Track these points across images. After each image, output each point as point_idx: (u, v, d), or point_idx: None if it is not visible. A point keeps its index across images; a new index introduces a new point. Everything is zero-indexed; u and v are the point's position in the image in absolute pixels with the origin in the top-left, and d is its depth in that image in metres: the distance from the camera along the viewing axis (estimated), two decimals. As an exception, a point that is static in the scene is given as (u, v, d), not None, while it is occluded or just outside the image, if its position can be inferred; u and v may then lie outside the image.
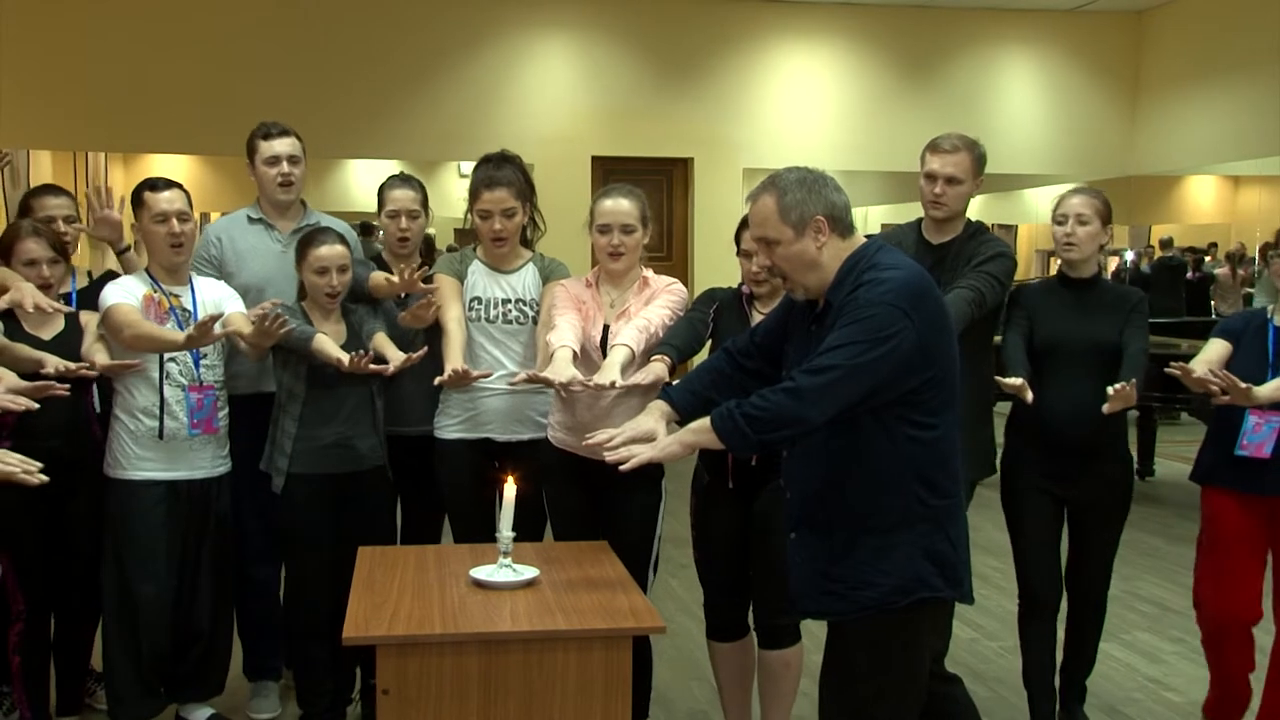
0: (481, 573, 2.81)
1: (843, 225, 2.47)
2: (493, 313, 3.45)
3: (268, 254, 3.75)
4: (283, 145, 3.72)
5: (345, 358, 3.28)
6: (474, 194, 3.43)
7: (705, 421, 2.48)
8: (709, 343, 3.30)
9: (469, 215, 3.48)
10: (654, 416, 2.68)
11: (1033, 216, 16.55)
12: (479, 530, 3.29)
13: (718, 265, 8.72)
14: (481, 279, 3.48)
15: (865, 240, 2.50)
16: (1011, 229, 16.75)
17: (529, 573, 2.81)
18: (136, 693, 3.46)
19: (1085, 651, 3.66)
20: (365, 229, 9.87)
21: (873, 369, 2.33)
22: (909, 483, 2.42)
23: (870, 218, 15.27)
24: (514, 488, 2.83)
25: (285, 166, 3.71)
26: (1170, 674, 4.33)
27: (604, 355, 3.16)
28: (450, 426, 3.50)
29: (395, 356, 3.37)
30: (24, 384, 3.04)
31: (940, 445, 2.45)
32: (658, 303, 3.28)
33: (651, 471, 3.21)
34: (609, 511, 3.32)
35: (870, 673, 2.46)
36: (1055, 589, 3.53)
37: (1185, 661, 4.45)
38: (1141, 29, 9.44)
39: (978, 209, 15.03)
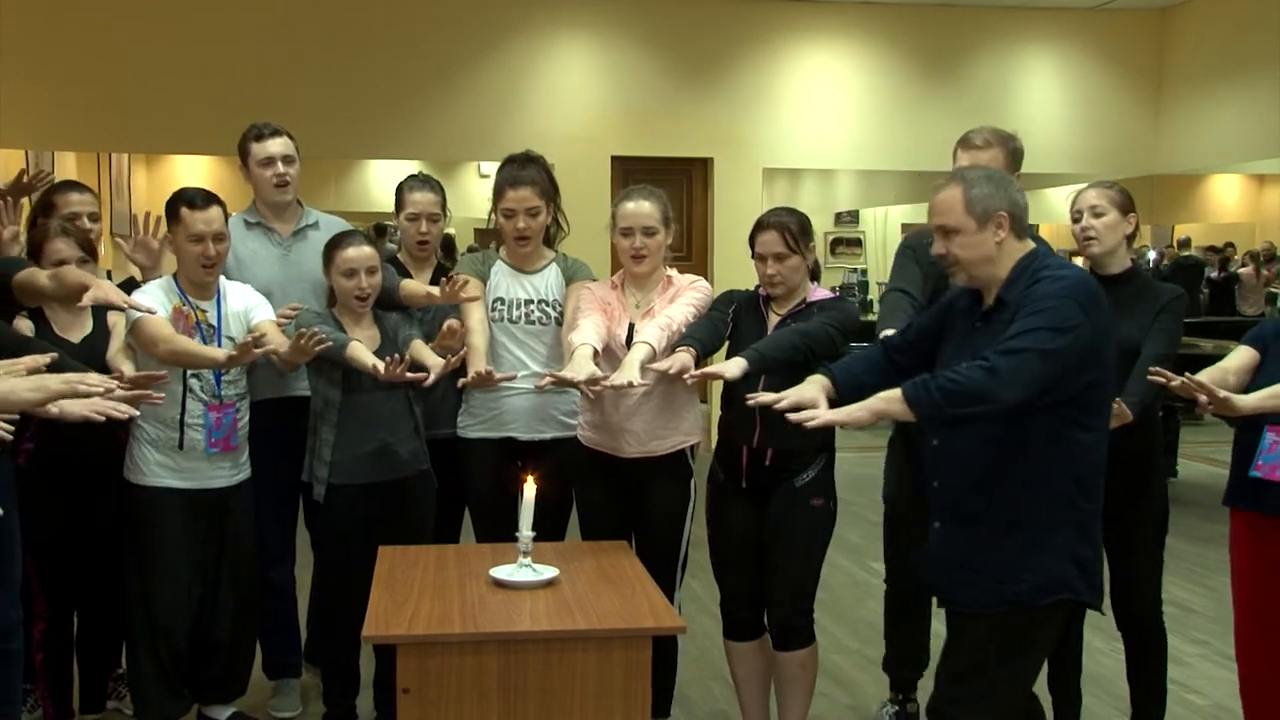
0: (501, 572, 2.81)
1: (1021, 226, 2.55)
2: (515, 313, 3.46)
3: (269, 259, 3.71)
4: (276, 145, 3.66)
5: (380, 365, 3.22)
6: (498, 192, 3.44)
7: (896, 392, 2.49)
8: (729, 343, 3.29)
9: (493, 214, 3.49)
10: (815, 387, 2.72)
11: (1054, 216, 16.38)
12: (502, 530, 3.28)
13: (738, 265, 8.62)
14: (504, 279, 3.49)
15: (1035, 246, 2.58)
16: (1033, 228, 16.60)
17: (549, 572, 2.82)
18: (160, 695, 3.47)
19: (1150, 691, 3.44)
20: (379, 230, 9.90)
21: (1060, 356, 2.39)
22: (1065, 484, 2.48)
23: (891, 218, 15.18)
24: (534, 487, 2.84)
25: (280, 167, 3.65)
26: (1193, 676, 4.30)
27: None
28: (474, 426, 3.53)
29: (435, 364, 3.31)
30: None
31: (1096, 449, 2.52)
32: (681, 300, 3.29)
33: (680, 470, 3.32)
34: (639, 509, 3.35)
35: (1000, 665, 2.53)
36: None
37: (1208, 664, 4.42)
38: (1164, 26, 9.36)
39: (999, 208, 14.96)
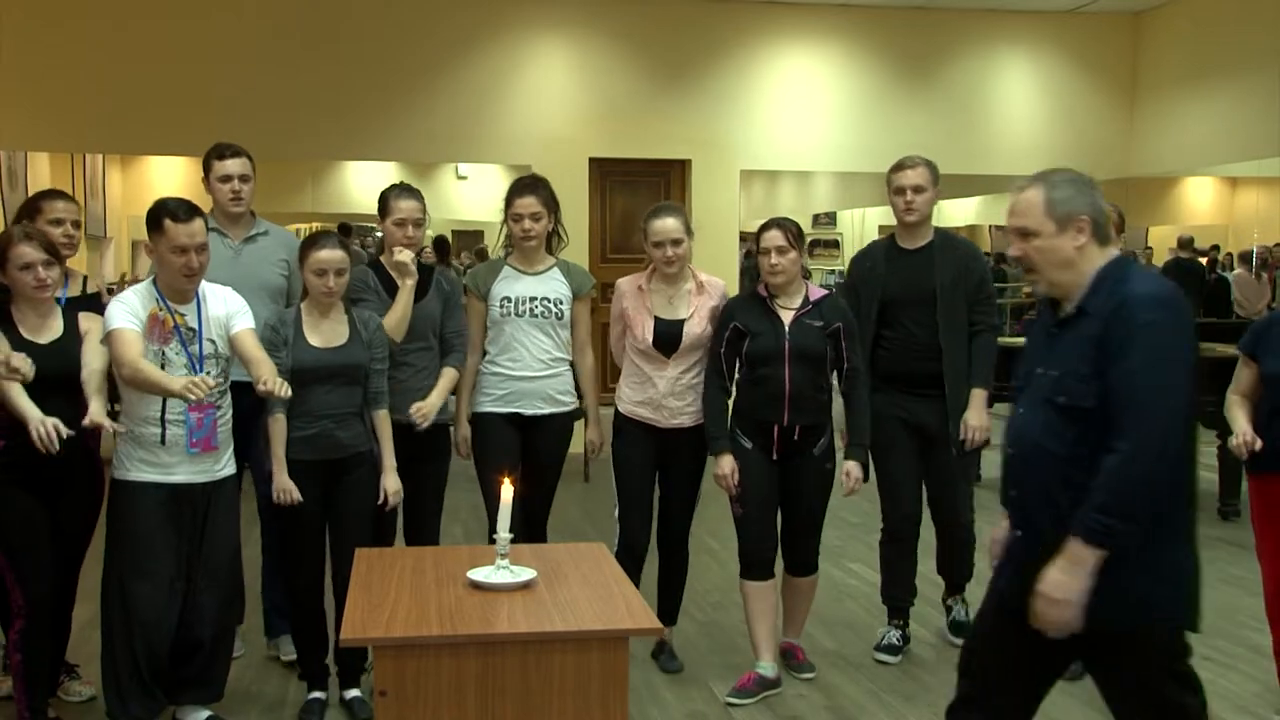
0: (479, 574, 2.82)
1: (1103, 233, 2.49)
2: (522, 308, 4.10)
3: (219, 260, 3.92)
4: (234, 165, 4.16)
5: (280, 479, 3.56)
6: (508, 202, 4.14)
7: (1081, 550, 2.35)
8: (747, 344, 3.95)
9: (504, 224, 4.16)
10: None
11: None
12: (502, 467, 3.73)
13: (716, 265, 8.67)
14: (512, 280, 4.14)
15: (1119, 254, 2.51)
16: (1006, 230, 16.66)
17: (526, 574, 2.83)
18: (138, 693, 3.46)
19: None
20: (345, 230, 9.93)
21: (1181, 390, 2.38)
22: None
23: (868, 219, 15.26)
24: (510, 489, 2.85)
25: (236, 184, 4.15)
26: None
27: (659, 350, 4.05)
28: (486, 403, 4.15)
29: (387, 473, 3.78)
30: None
31: None
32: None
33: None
34: (669, 461, 4.15)
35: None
36: None
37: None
38: (1139, 30, 9.43)
39: (975, 210, 15.07)
